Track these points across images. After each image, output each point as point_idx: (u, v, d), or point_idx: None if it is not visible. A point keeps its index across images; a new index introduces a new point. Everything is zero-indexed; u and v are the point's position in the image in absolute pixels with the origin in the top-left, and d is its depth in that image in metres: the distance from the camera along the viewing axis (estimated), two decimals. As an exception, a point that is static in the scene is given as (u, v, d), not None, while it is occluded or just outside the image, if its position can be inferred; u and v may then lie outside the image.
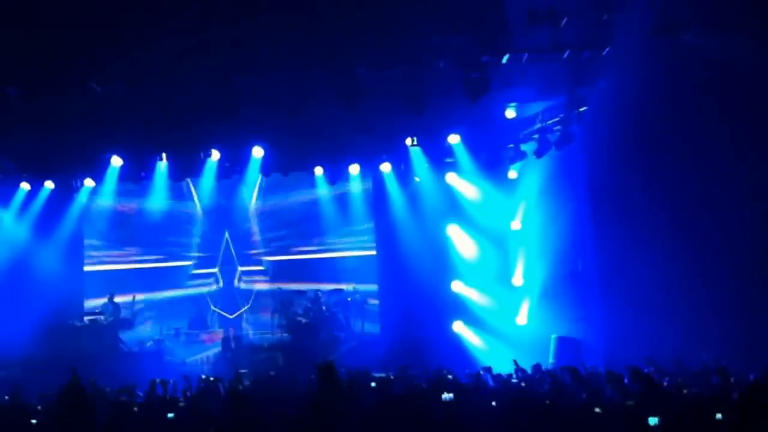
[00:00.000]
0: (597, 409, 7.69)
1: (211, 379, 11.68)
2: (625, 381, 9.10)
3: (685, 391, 9.22)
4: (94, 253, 18.56)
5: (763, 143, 11.86)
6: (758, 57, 11.29)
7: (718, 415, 6.97)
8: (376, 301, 17.87)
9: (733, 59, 11.49)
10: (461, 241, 17.36)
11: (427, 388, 10.33)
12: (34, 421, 8.70)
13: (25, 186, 17.06)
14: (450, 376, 11.42)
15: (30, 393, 11.85)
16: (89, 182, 17.23)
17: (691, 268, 12.85)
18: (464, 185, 17.29)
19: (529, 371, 12.07)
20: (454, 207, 17.38)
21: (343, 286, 17.84)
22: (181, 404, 9.92)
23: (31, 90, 12.95)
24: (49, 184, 17.15)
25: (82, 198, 17.66)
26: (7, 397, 11.55)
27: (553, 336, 15.08)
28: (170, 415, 8.63)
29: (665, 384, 9.82)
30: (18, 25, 11.31)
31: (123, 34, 11.55)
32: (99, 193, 17.55)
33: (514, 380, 11.42)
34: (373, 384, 10.51)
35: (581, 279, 15.45)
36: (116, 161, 16.24)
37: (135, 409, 9.29)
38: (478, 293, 17.00)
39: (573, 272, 15.59)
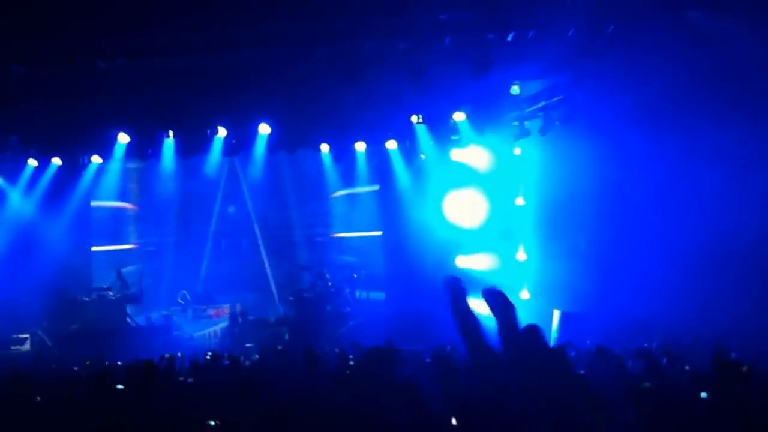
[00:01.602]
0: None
1: (223, 354, 11.83)
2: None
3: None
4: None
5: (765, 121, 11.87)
6: (759, 37, 11.31)
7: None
8: (381, 277, 18.04)
9: (735, 36, 11.54)
10: (463, 210, 17.47)
11: (430, 364, 10.49)
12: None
13: (32, 163, 17.11)
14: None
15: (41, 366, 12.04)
16: (96, 159, 17.27)
17: (693, 248, 12.88)
18: (469, 162, 17.35)
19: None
20: (458, 184, 17.45)
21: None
22: (189, 380, 10.06)
23: (37, 67, 13.01)
24: (56, 161, 17.21)
25: (89, 174, 17.69)
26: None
27: (557, 311, 15.21)
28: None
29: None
30: (24, 3, 11.26)
31: (130, 11, 11.49)
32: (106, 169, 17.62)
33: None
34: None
35: (583, 256, 15.54)
36: (123, 138, 16.25)
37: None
38: (481, 268, 17.10)
39: (575, 249, 15.68)
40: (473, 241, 17.35)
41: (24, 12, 11.41)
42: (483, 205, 17.32)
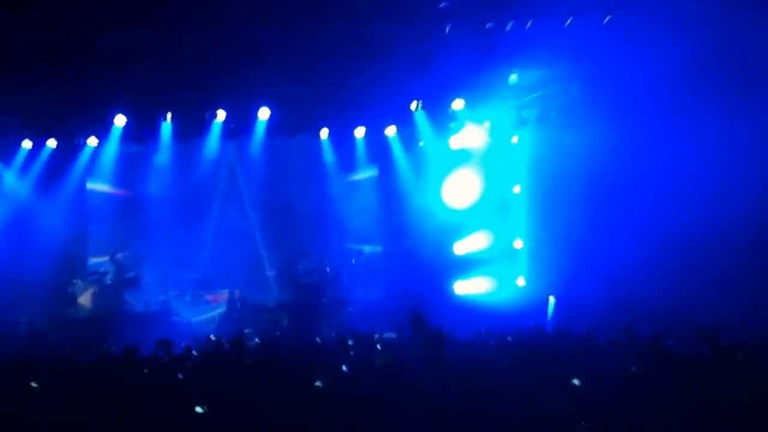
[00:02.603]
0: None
1: (218, 338, 11.91)
2: None
3: None
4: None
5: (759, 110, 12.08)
6: (759, 28, 11.49)
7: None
8: (379, 264, 18.19)
9: (734, 26, 11.69)
10: (458, 191, 17.67)
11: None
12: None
13: (27, 144, 16.89)
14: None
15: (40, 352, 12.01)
16: (92, 141, 17.08)
17: (685, 235, 13.19)
18: (465, 144, 17.53)
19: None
20: (455, 167, 17.66)
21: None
22: (188, 365, 10.13)
23: (33, 47, 12.82)
24: (51, 143, 16.99)
25: (85, 156, 17.51)
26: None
27: (552, 297, 15.45)
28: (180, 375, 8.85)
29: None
30: None
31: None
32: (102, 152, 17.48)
33: None
34: (378, 346, 10.75)
35: (578, 243, 15.71)
36: (120, 120, 16.11)
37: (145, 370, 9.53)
38: (479, 255, 17.36)
39: (570, 237, 15.85)
40: (469, 223, 17.54)
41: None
42: (477, 183, 17.51)
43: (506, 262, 17.19)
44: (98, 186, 18.27)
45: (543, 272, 16.43)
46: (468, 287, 17.22)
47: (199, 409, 7.87)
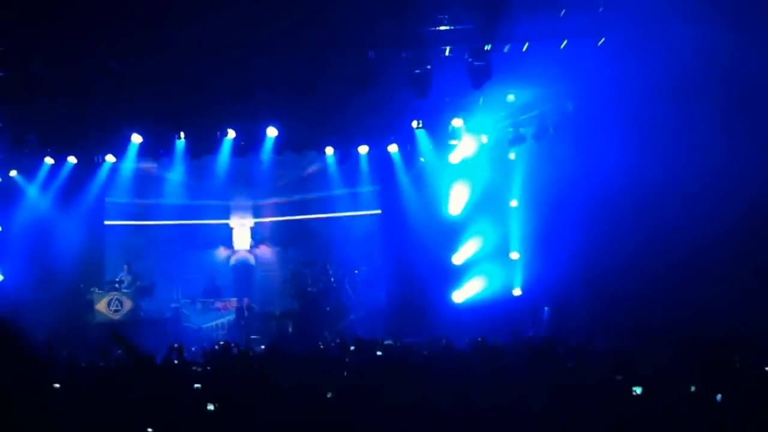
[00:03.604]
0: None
1: (229, 343, 12.48)
2: None
3: None
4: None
5: (754, 133, 12.32)
6: (748, 49, 11.74)
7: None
8: (381, 274, 18.77)
9: (724, 49, 11.87)
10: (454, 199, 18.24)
11: (427, 355, 11.18)
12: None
13: (48, 160, 17.76)
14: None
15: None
16: (110, 158, 17.94)
17: (677, 250, 13.40)
18: (466, 165, 18.08)
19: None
20: (455, 184, 18.18)
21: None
22: (199, 369, 10.67)
23: (54, 68, 13.48)
24: (72, 159, 17.86)
25: (103, 172, 18.37)
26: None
27: (547, 308, 15.95)
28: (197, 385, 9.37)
29: None
30: (42, 5, 11.73)
31: (142, 15, 12.02)
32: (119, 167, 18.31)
33: None
34: (379, 353, 11.27)
35: (571, 255, 16.20)
36: (136, 138, 16.91)
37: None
38: (476, 266, 17.90)
39: (564, 248, 16.31)
40: (468, 235, 18.02)
41: (41, 13, 11.88)
42: (475, 197, 17.99)
43: (503, 273, 17.61)
44: (115, 199, 18.98)
45: (539, 284, 16.91)
46: (466, 297, 17.72)
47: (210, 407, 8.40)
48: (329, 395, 8.54)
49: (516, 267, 17.69)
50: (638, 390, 7.77)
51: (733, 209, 12.61)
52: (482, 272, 17.70)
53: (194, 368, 10.51)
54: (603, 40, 13.33)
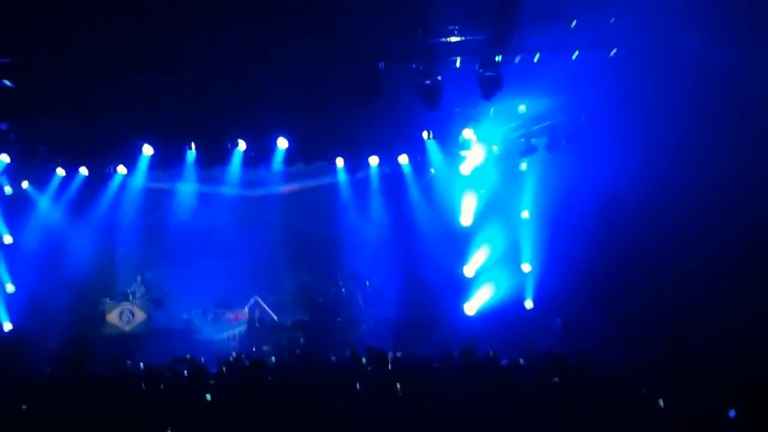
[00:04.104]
0: None
1: (241, 355, 12.51)
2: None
3: None
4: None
5: (766, 146, 12.26)
6: (761, 62, 11.67)
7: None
8: (392, 286, 18.66)
9: (735, 62, 11.83)
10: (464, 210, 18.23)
11: (437, 366, 11.16)
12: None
13: (60, 172, 17.85)
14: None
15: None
16: (122, 169, 17.98)
17: (690, 263, 13.38)
18: (477, 175, 18.07)
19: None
20: (466, 195, 18.19)
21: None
22: (211, 381, 10.68)
23: (66, 81, 13.57)
24: (83, 171, 17.94)
25: (115, 184, 18.40)
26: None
27: (558, 320, 15.88)
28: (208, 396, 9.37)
29: None
30: (53, 18, 11.72)
31: (154, 28, 12.11)
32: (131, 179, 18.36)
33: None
34: (390, 365, 11.25)
35: (583, 267, 16.18)
36: (147, 149, 16.98)
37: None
38: (488, 278, 17.85)
39: (576, 260, 16.29)
40: (479, 246, 18.02)
41: (54, 27, 11.93)
42: (486, 208, 18.01)
43: (514, 285, 17.56)
44: (127, 210, 19.05)
45: (551, 296, 16.85)
46: (477, 308, 17.67)
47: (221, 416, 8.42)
48: (341, 407, 8.57)
49: (528, 279, 17.60)
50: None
51: (747, 222, 12.59)
52: (493, 284, 17.67)
53: (207, 379, 10.54)
54: (615, 51, 13.31)
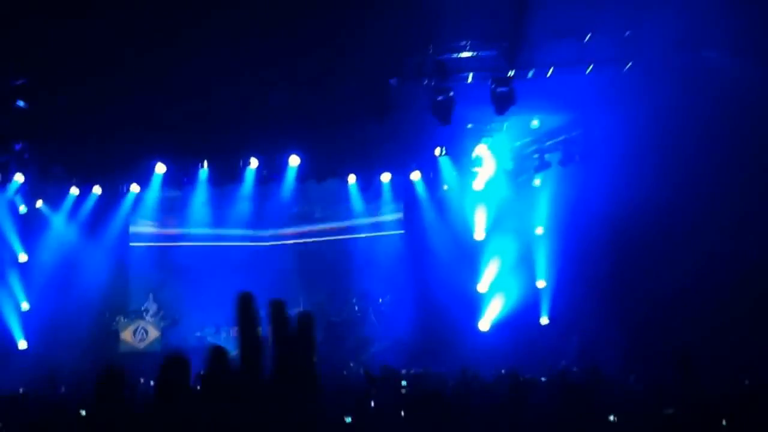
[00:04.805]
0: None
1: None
2: None
3: None
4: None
5: None
6: None
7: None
8: (405, 303, 18.61)
9: (751, 76, 11.77)
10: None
11: (452, 386, 11.05)
12: None
13: (74, 191, 18.00)
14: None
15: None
16: (135, 188, 18.10)
17: (704, 281, 13.19)
18: (490, 191, 18.01)
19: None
20: (479, 211, 18.13)
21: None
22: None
23: (81, 101, 13.65)
24: (97, 189, 18.08)
25: (128, 202, 18.51)
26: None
27: (575, 337, 15.71)
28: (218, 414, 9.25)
29: None
30: (68, 41, 11.82)
31: (167, 49, 12.10)
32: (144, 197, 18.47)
33: None
34: (404, 383, 11.15)
35: (597, 282, 16.02)
36: (160, 168, 17.08)
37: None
38: (502, 295, 17.72)
39: (590, 276, 16.16)
40: (493, 262, 17.93)
41: (68, 49, 12.02)
42: (500, 224, 17.92)
43: (529, 301, 17.42)
44: (140, 228, 19.08)
45: (566, 312, 16.68)
46: (492, 325, 17.57)
47: None
48: (355, 424, 8.49)
49: (543, 295, 17.46)
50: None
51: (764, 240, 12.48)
52: (508, 300, 17.54)
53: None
54: (630, 65, 13.18)
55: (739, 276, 12.79)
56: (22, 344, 17.48)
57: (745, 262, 12.75)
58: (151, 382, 12.43)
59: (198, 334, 17.97)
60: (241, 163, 17.01)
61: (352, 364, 15.80)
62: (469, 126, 15.68)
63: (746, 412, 7.50)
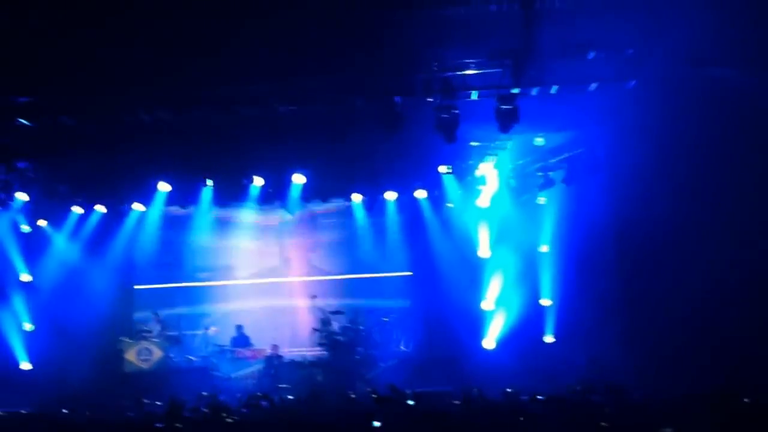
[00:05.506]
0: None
1: (258, 395, 12.33)
2: None
3: None
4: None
5: None
6: None
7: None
8: (410, 321, 18.57)
9: (759, 93, 11.74)
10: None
11: (457, 405, 10.95)
12: None
13: (77, 210, 18.02)
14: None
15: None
16: (138, 206, 18.07)
17: (712, 297, 13.07)
18: (494, 209, 17.96)
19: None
20: (484, 229, 18.07)
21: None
22: (230, 419, 10.55)
23: (84, 119, 13.75)
24: (100, 208, 18.07)
25: (131, 221, 18.47)
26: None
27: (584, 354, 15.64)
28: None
29: None
30: (72, 59, 11.94)
31: (170, 66, 12.18)
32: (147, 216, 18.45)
33: None
34: (411, 402, 11.05)
35: (603, 300, 15.98)
36: (164, 187, 17.05)
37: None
38: (507, 312, 17.64)
39: (596, 294, 16.10)
40: (497, 280, 17.85)
41: (71, 66, 12.09)
42: (504, 241, 17.88)
43: (534, 319, 17.35)
44: (143, 247, 19.04)
45: (572, 330, 16.63)
46: (497, 343, 17.48)
47: None
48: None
49: (548, 313, 17.37)
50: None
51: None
52: (513, 318, 17.45)
53: (226, 419, 10.41)
54: (634, 83, 13.23)
55: (746, 291, 12.67)
56: (25, 365, 17.37)
57: (754, 277, 12.59)
58: (157, 402, 12.38)
59: (203, 353, 17.78)
60: (245, 182, 17.00)
61: (357, 384, 15.69)
62: (474, 144, 15.65)
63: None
